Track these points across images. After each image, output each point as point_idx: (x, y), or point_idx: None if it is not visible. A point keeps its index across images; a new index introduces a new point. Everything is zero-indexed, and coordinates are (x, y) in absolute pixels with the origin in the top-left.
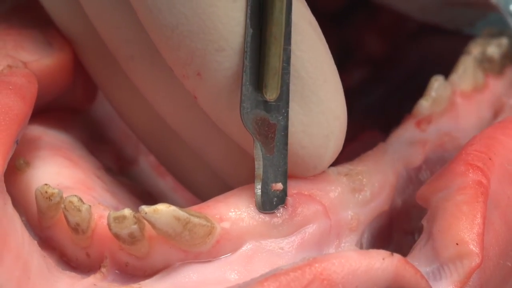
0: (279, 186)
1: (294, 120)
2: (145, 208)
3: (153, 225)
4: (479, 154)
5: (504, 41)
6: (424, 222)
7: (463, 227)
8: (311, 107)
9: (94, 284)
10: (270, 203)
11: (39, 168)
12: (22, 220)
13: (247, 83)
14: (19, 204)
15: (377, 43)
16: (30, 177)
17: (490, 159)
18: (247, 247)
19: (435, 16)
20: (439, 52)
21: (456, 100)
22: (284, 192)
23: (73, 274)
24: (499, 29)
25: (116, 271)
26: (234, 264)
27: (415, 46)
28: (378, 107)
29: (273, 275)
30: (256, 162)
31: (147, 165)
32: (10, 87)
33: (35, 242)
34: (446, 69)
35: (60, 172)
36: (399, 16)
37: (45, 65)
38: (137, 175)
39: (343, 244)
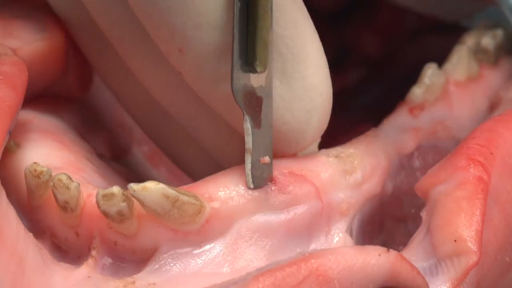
0: (267, 159)
1: (276, 96)
2: (133, 186)
3: (141, 203)
4: (481, 148)
5: (499, 32)
6: (422, 214)
7: (461, 223)
8: (292, 83)
9: (89, 276)
10: (259, 178)
11: (29, 149)
12: (12, 202)
13: (237, 56)
14: (9, 185)
15: (374, 42)
16: (20, 158)
17: (491, 153)
18: (235, 233)
19: (434, 8)
20: (437, 52)
21: (449, 88)
22: (271, 166)
23: (67, 265)
24: (495, 22)
25: (107, 257)
26: (226, 255)
27: (412, 46)
28: (375, 106)
29: (268, 270)
30: (246, 137)
31: (140, 155)
32: (0, 77)
33: (31, 234)
34: None
35: (51, 153)
36: (397, 16)
37: (35, 50)
38: (130, 164)
39: (333, 231)
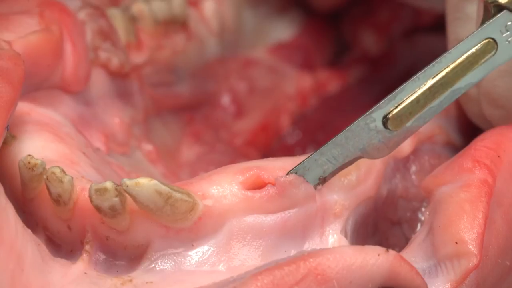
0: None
1: None
2: (127, 181)
3: (134, 198)
4: (488, 151)
5: None
6: (425, 213)
7: (463, 226)
8: None
9: (85, 273)
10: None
11: (25, 141)
12: (7, 194)
13: None
14: (4, 177)
15: (373, 38)
16: (15, 150)
17: (498, 156)
18: (228, 232)
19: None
20: (434, 52)
21: None
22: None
23: (63, 261)
24: None
25: (100, 253)
26: (220, 254)
27: (410, 46)
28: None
29: (267, 269)
30: None
31: (138, 151)
32: None
33: (29, 231)
34: None
35: (46, 146)
36: (395, 12)
37: (29, 42)
38: (127, 160)
39: (327, 232)
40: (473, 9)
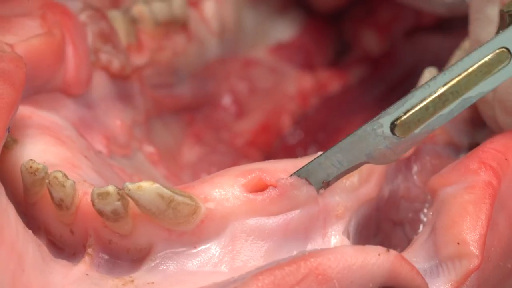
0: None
1: None
2: (129, 185)
3: (136, 202)
4: (496, 153)
5: None
6: (428, 214)
7: (466, 227)
8: None
9: (86, 274)
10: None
11: (26, 145)
12: (9, 198)
13: None
14: (6, 181)
15: (374, 40)
16: (17, 154)
17: (506, 159)
18: (230, 235)
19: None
20: (436, 52)
21: None
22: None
23: (64, 262)
24: None
25: (103, 255)
26: (222, 255)
27: (411, 46)
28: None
29: (268, 269)
30: None
31: (139, 153)
32: None
33: (30, 232)
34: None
35: (47, 150)
36: (395, 12)
37: (31, 45)
38: (129, 162)
39: (329, 233)
40: (494, 12)
